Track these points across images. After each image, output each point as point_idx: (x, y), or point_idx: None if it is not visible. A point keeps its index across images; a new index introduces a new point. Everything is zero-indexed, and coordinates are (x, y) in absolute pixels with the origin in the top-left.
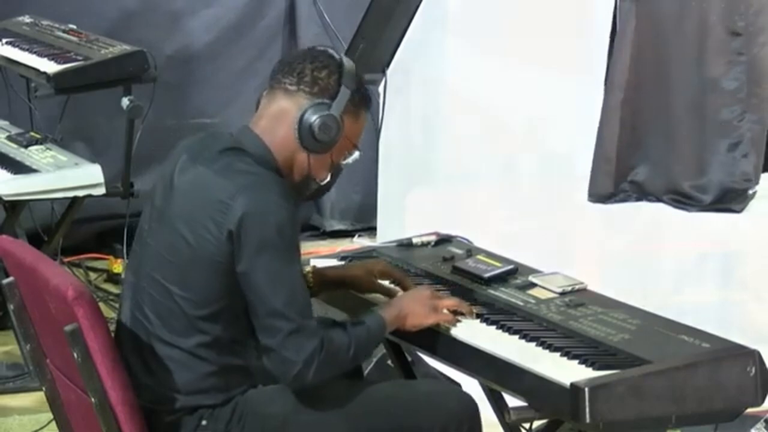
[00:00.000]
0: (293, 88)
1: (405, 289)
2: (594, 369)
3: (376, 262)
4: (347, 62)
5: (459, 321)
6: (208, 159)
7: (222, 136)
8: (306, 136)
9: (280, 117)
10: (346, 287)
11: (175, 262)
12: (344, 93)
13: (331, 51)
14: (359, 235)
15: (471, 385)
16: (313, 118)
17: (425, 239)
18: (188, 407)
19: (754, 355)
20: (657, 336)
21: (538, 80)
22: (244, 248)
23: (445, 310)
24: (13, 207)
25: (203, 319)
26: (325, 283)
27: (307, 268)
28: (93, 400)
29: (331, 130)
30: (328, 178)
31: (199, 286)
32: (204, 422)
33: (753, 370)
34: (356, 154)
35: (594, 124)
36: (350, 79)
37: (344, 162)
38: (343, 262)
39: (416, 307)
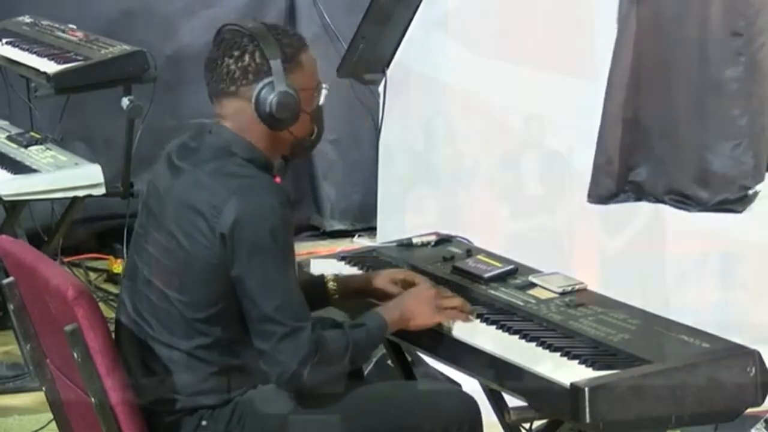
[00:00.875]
0: (232, 88)
1: None
2: (594, 369)
3: (398, 271)
4: (256, 30)
5: (461, 320)
6: (200, 161)
7: (209, 137)
8: (272, 121)
9: (239, 116)
10: (368, 296)
11: (172, 266)
12: (275, 63)
13: (236, 27)
14: (359, 235)
15: (471, 385)
16: (267, 103)
17: (425, 239)
18: (188, 408)
19: (754, 355)
20: (657, 336)
21: (538, 80)
22: (236, 253)
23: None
24: (13, 207)
25: (202, 321)
26: (347, 292)
27: (329, 276)
28: (93, 400)
29: (288, 103)
30: (316, 128)
31: (197, 290)
32: (204, 423)
33: (753, 370)
34: (325, 90)
35: (594, 124)
36: (270, 46)
37: (321, 104)
38: (342, 262)
39: (421, 308)
